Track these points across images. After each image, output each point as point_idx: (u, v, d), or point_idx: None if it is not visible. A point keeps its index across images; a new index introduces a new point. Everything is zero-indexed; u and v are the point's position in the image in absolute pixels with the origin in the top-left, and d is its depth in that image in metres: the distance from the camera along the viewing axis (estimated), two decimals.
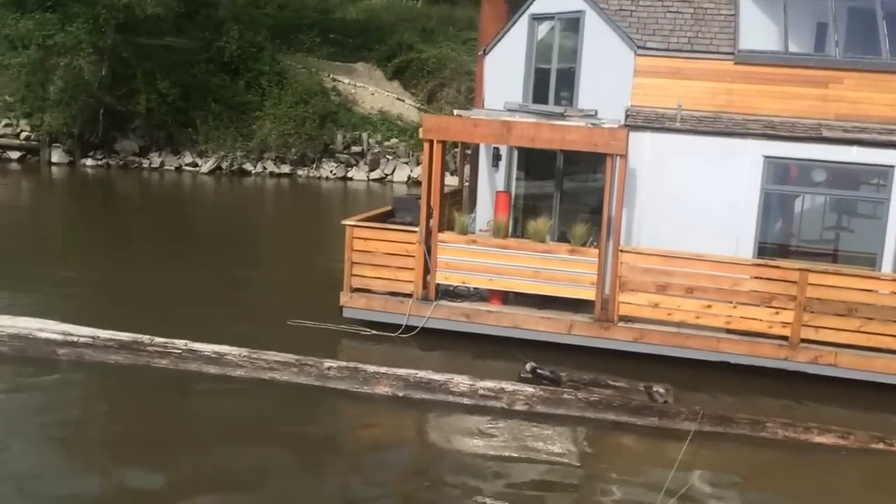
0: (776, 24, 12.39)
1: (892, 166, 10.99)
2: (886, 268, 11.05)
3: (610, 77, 12.56)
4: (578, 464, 8.35)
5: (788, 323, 10.57)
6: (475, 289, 12.01)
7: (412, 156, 31.91)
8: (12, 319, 10.42)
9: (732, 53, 12.07)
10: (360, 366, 9.75)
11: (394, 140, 32.63)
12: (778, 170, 11.48)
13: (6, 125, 31.14)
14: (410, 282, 11.72)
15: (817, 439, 8.91)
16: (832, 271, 10.65)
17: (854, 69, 11.68)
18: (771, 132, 11.40)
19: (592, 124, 11.55)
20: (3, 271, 14.66)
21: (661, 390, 9.56)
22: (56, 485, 7.27)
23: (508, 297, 11.84)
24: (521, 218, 13.15)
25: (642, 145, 11.63)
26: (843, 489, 8.16)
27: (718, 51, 12.17)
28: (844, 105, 11.65)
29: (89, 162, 30.65)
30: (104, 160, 30.89)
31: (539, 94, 13.86)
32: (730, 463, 8.51)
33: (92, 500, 7.20)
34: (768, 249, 11.60)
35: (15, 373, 9.59)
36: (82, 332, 10.16)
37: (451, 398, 9.43)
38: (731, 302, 10.71)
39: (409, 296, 11.71)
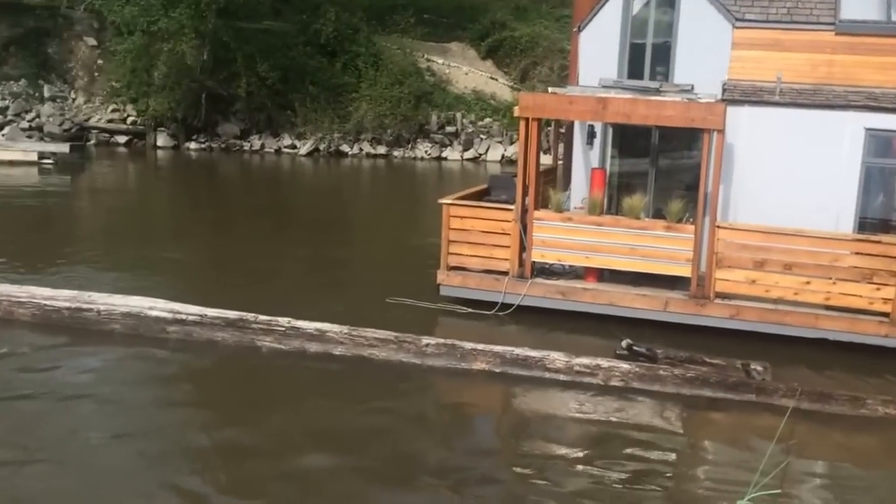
0: None
1: None
2: None
3: (707, 51, 12.43)
4: (674, 439, 8.45)
5: (889, 299, 10.35)
6: (570, 266, 12.13)
7: (506, 135, 32.04)
8: (124, 298, 10.82)
9: (833, 24, 11.81)
10: (458, 343, 9.90)
11: (487, 119, 32.78)
12: (880, 142, 11.19)
13: (113, 110, 32.58)
14: (506, 259, 11.88)
15: None
16: None
17: None
18: (873, 104, 11.13)
19: (689, 99, 11.47)
20: (114, 252, 15.43)
21: (759, 368, 9.51)
22: (165, 441, 7.78)
23: (604, 275, 11.93)
24: (615, 195, 13.17)
25: (740, 119, 11.50)
26: None
27: (819, 21, 11.93)
28: None
29: (193, 145, 31.80)
30: (207, 143, 31.99)
31: (634, 70, 13.77)
32: (828, 440, 8.48)
33: (202, 451, 7.67)
34: (869, 224, 11.36)
35: (127, 348, 10.05)
36: (190, 310, 10.47)
37: (547, 374, 9.56)
38: (830, 278, 10.56)
39: (505, 273, 11.89)
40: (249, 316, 10.33)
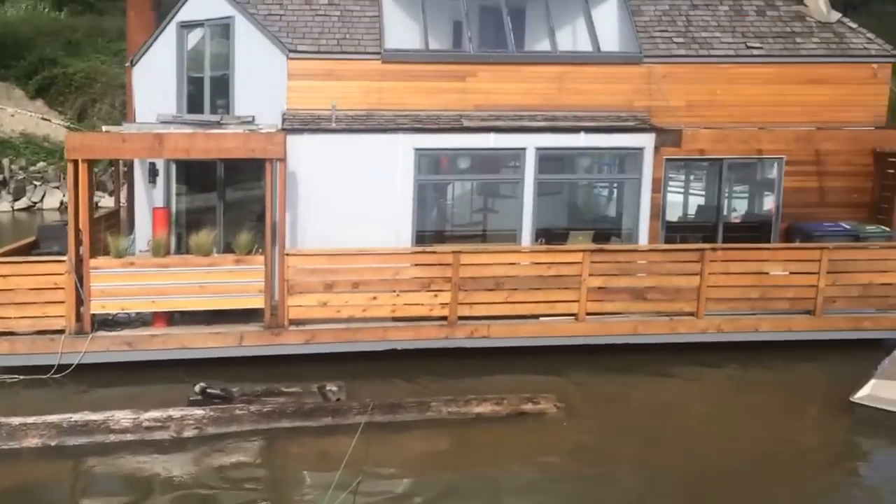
0: (417, 24, 12.95)
1: (524, 149, 11.96)
2: (525, 241, 12.03)
3: (264, 82, 12.44)
4: (254, 478, 8.04)
5: (447, 303, 11.08)
6: (137, 314, 11.21)
7: (63, 179, 29.52)
8: None
9: (379, 53, 12.41)
10: (3, 420, 8.64)
11: (41, 164, 29.91)
12: (428, 161, 12.03)
13: None
14: (62, 316, 10.63)
15: (476, 410, 9.33)
16: (480, 250, 11.33)
17: (486, 62, 12.56)
18: (418, 125, 11.88)
19: (249, 130, 11.29)
20: None
21: (334, 388, 9.54)
22: None
23: (174, 318, 11.20)
24: (184, 234, 12.57)
25: (300, 148, 11.58)
26: (504, 453, 8.57)
27: (366, 51, 12.45)
28: (480, 96, 12.49)
29: None
30: None
31: (194, 104, 13.42)
32: (400, 449, 8.64)
33: None
34: (426, 237, 12.12)
35: None
36: None
37: (112, 437, 8.63)
38: (394, 291, 11.00)
39: (62, 331, 10.65)
40: None
